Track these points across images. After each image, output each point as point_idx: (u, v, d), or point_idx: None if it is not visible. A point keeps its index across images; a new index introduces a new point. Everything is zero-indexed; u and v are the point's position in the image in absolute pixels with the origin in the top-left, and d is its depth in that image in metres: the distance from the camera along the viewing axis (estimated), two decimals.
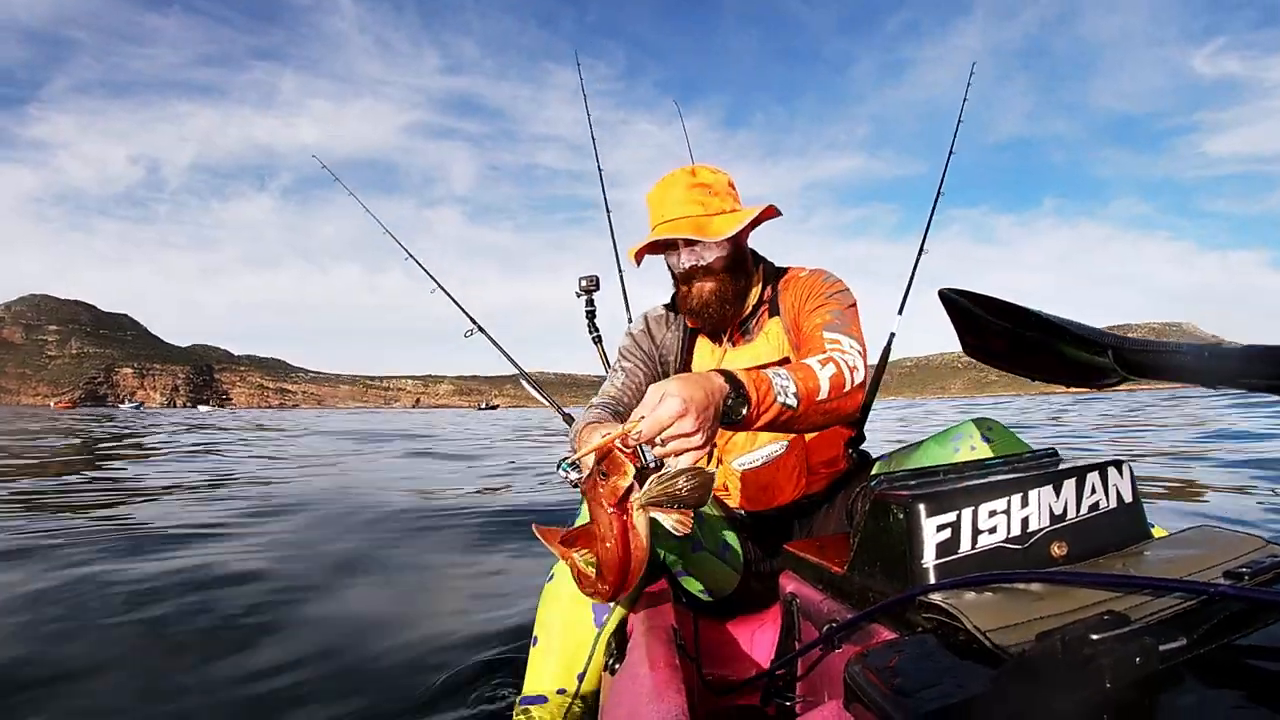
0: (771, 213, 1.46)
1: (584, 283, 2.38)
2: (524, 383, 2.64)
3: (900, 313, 2.52)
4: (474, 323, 2.68)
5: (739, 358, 1.51)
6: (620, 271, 2.68)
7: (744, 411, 1.07)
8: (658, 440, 0.98)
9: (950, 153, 2.72)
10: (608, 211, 2.88)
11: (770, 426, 1.14)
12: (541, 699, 1.25)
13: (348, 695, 1.76)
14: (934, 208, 2.64)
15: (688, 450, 0.99)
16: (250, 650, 2.05)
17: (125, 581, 2.64)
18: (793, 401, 1.13)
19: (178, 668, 1.93)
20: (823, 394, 1.17)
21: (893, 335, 2.51)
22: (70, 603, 2.41)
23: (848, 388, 1.21)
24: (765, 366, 1.19)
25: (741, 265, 1.50)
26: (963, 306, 0.96)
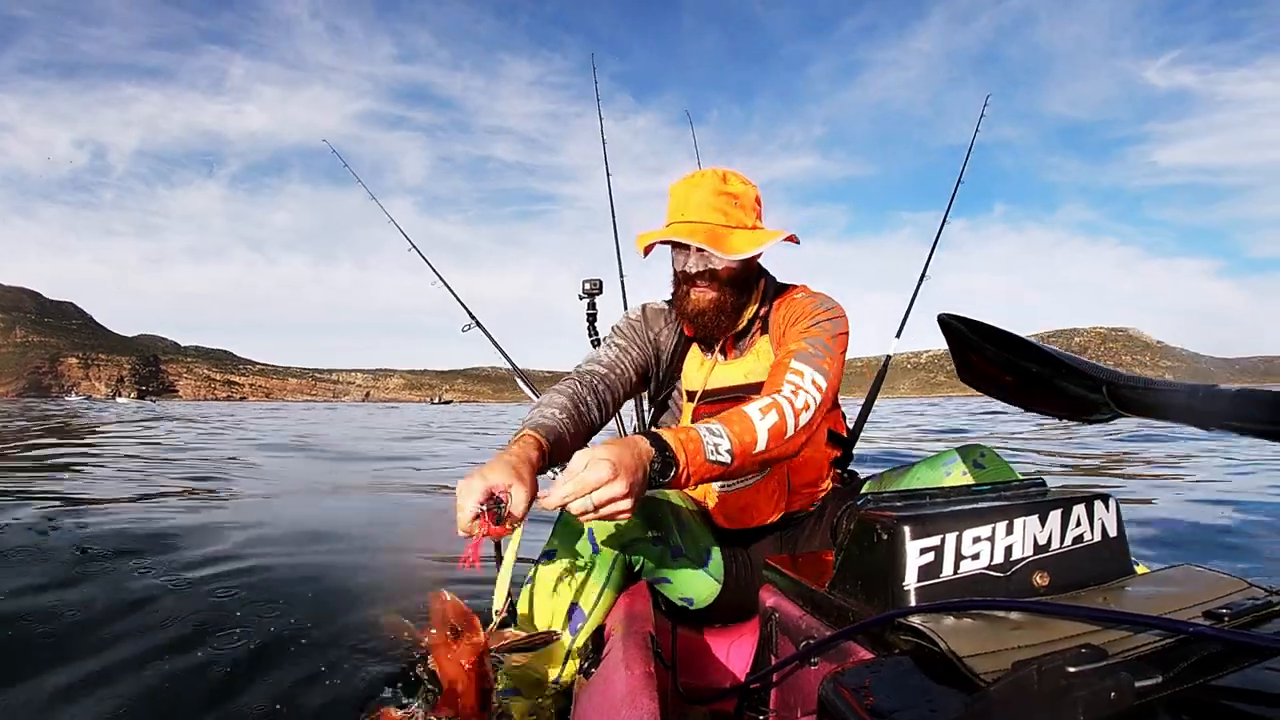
0: (791, 240, 1.44)
1: (587, 285, 2.37)
2: (519, 380, 2.63)
3: (898, 336, 2.54)
4: (472, 317, 2.68)
5: (729, 372, 1.51)
6: (621, 275, 2.69)
7: (672, 473, 1.09)
8: (589, 505, 1.01)
9: (959, 181, 2.74)
10: (613, 218, 2.89)
11: (704, 482, 1.17)
12: (516, 691, 1.25)
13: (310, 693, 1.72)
14: (938, 235, 2.65)
15: (618, 514, 1.04)
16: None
17: None
18: (725, 458, 1.13)
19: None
20: (759, 446, 1.16)
21: (888, 359, 2.52)
22: None
23: (789, 434, 1.20)
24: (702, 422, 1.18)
25: (746, 282, 1.48)
26: (961, 333, 0.97)
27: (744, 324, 1.51)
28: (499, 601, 1.14)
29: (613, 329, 1.61)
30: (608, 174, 2.98)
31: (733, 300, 1.45)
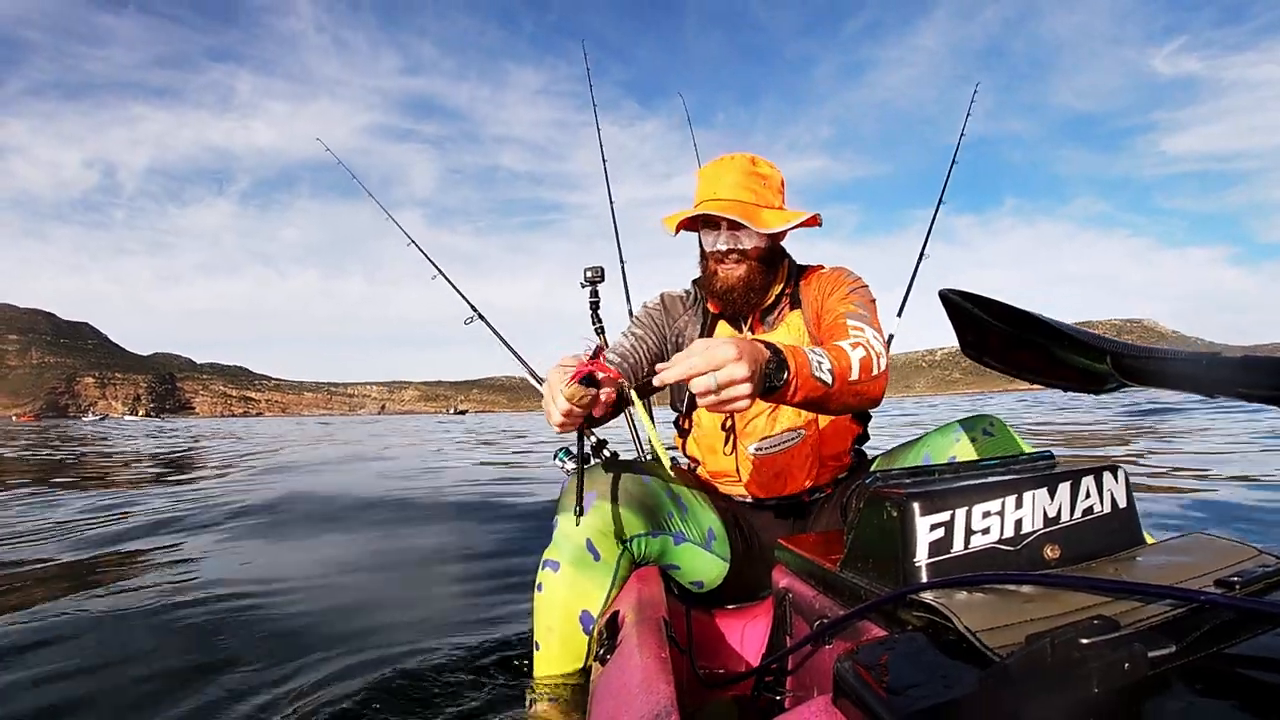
0: (815, 221, 1.49)
1: (589, 274, 2.38)
2: (527, 375, 2.63)
3: (900, 315, 2.55)
4: (474, 309, 2.68)
5: None
6: (622, 264, 2.69)
7: (784, 376, 1.09)
8: (712, 384, 0.99)
9: (952, 164, 2.77)
10: (611, 206, 2.88)
11: (805, 403, 1.16)
12: (546, 694, 1.28)
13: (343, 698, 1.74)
14: (934, 215, 2.67)
15: (737, 399, 1.01)
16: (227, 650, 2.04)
17: None
18: (827, 378, 1.14)
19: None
20: (854, 374, 1.19)
21: (891, 337, 2.53)
22: None
23: (875, 371, 1.24)
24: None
25: (773, 260, 1.53)
26: (962, 308, 0.96)
27: (771, 300, 1.56)
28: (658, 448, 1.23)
29: (632, 320, 1.64)
30: (604, 160, 2.97)
31: (760, 277, 1.50)
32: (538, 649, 1.31)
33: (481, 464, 8.63)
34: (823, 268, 1.62)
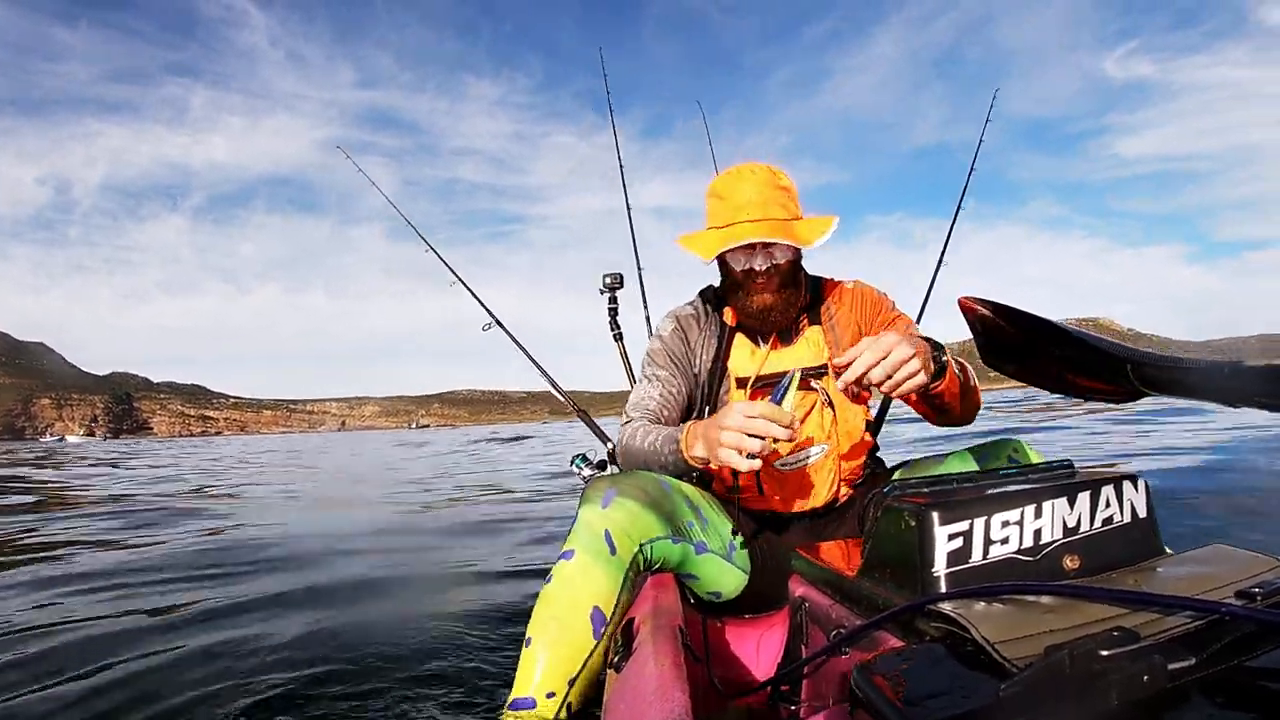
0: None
1: (608, 280, 2.37)
2: (550, 387, 2.61)
3: (918, 320, 2.54)
4: (492, 316, 2.67)
5: (780, 359, 1.53)
6: (640, 271, 2.68)
7: (943, 359, 1.18)
8: (887, 369, 1.10)
9: (971, 170, 2.75)
10: (630, 220, 2.88)
11: (944, 394, 1.23)
12: (529, 702, 1.16)
13: (317, 699, 1.75)
14: (953, 222, 2.66)
15: (914, 375, 1.11)
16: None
17: None
18: (960, 374, 1.22)
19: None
20: (971, 379, 1.27)
21: None
22: None
23: (974, 382, 1.31)
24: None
25: (799, 274, 1.51)
26: (982, 316, 0.96)
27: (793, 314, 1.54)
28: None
29: (649, 356, 1.60)
30: (621, 169, 2.95)
31: (793, 293, 1.48)
32: (527, 645, 1.19)
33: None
34: (847, 282, 1.60)
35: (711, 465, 1.24)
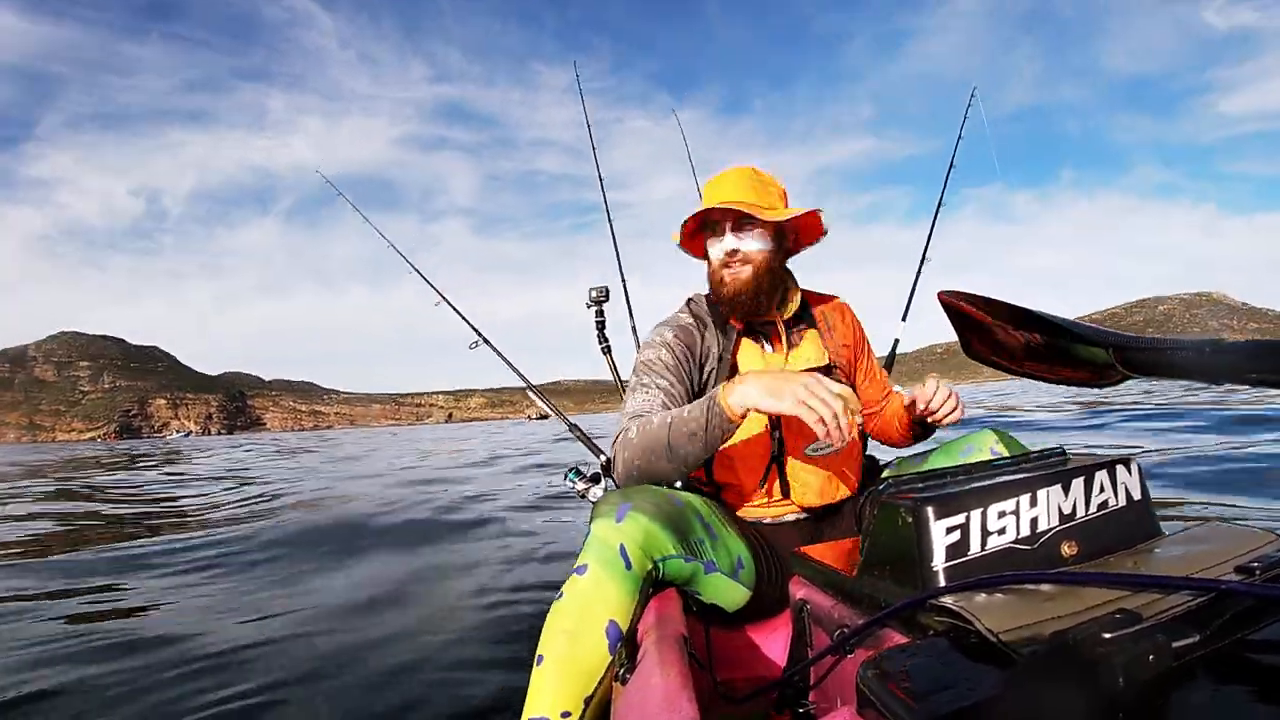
0: (816, 219, 1.56)
1: (594, 294, 2.37)
2: (530, 393, 2.65)
3: (904, 319, 2.55)
4: (478, 334, 2.68)
5: (793, 361, 1.57)
6: (624, 281, 2.69)
7: None
8: (940, 407, 1.49)
9: (950, 167, 2.77)
10: (609, 221, 2.89)
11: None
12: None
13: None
14: (935, 219, 2.67)
15: (954, 414, 1.51)
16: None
17: None
18: None
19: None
20: None
21: (896, 341, 2.53)
22: None
23: None
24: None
25: (779, 268, 1.56)
26: (961, 309, 0.97)
27: (790, 313, 1.59)
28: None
29: (649, 364, 1.56)
30: (600, 179, 2.97)
31: (768, 280, 1.52)
32: (539, 664, 1.14)
33: None
34: (834, 297, 1.70)
35: (763, 408, 1.25)
